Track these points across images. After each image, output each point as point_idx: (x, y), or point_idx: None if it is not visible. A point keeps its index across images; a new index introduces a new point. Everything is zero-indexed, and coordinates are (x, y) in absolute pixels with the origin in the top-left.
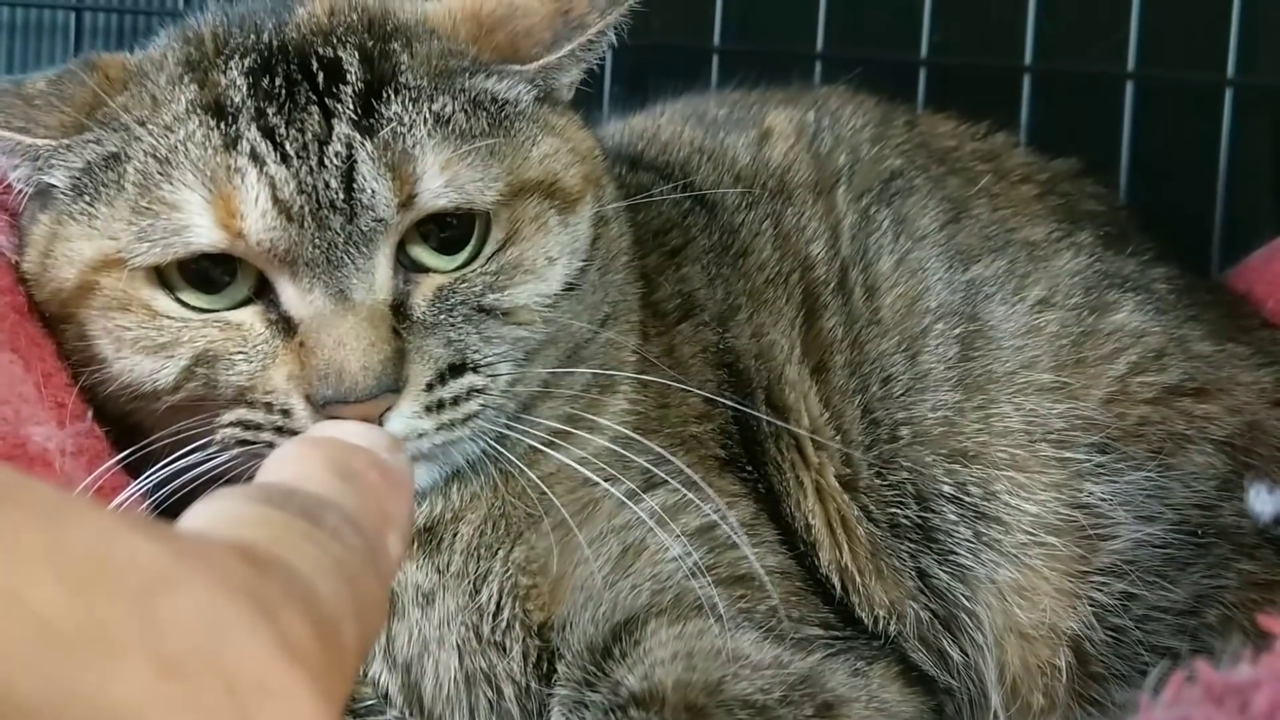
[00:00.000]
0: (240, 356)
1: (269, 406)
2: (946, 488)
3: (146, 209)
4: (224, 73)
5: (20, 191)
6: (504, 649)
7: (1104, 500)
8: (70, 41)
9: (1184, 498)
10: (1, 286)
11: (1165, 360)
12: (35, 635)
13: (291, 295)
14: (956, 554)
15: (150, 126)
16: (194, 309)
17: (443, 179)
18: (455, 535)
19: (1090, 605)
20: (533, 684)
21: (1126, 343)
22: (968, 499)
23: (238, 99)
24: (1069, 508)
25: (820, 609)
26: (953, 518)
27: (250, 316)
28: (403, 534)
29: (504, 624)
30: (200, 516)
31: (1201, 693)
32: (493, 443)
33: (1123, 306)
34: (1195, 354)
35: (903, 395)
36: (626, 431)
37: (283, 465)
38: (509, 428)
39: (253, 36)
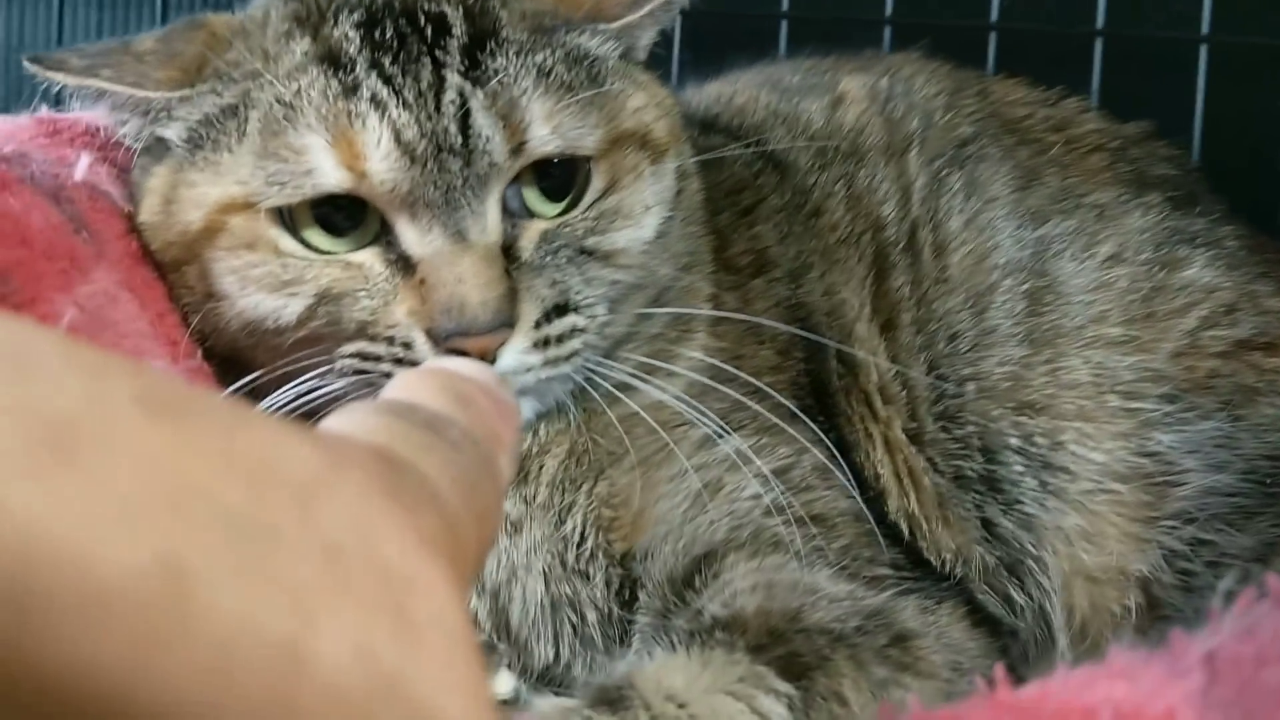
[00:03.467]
0: (363, 293)
1: (390, 340)
2: (1013, 439)
3: (273, 154)
4: (335, 26)
5: (129, 147)
6: (587, 577)
7: (1173, 448)
8: (156, 13)
9: (1253, 448)
10: (116, 232)
11: (1236, 315)
12: (223, 525)
13: (411, 235)
14: (1022, 503)
15: (269, 77)
16: (317, 250)
17: (548, 127)
18: (541, 468)
19: (1159, 549)
20: (615, 610)
21: (1197, 297)
22: (1034, 449)
23: (352, 50)
24: (1137, 455)
25: (889, 551)
26: (1019, 468)
27: (370, 257)
28: (512, 459)
29: (587, 553)
30: (336, 426)
31: (1271, 603)
32: (582, 381)
33: (1193, 262)
34: (1266, 309)
35: (969, 351)
36: (708, 367)
37: (402, 388)
38: (599, 365)
39: None
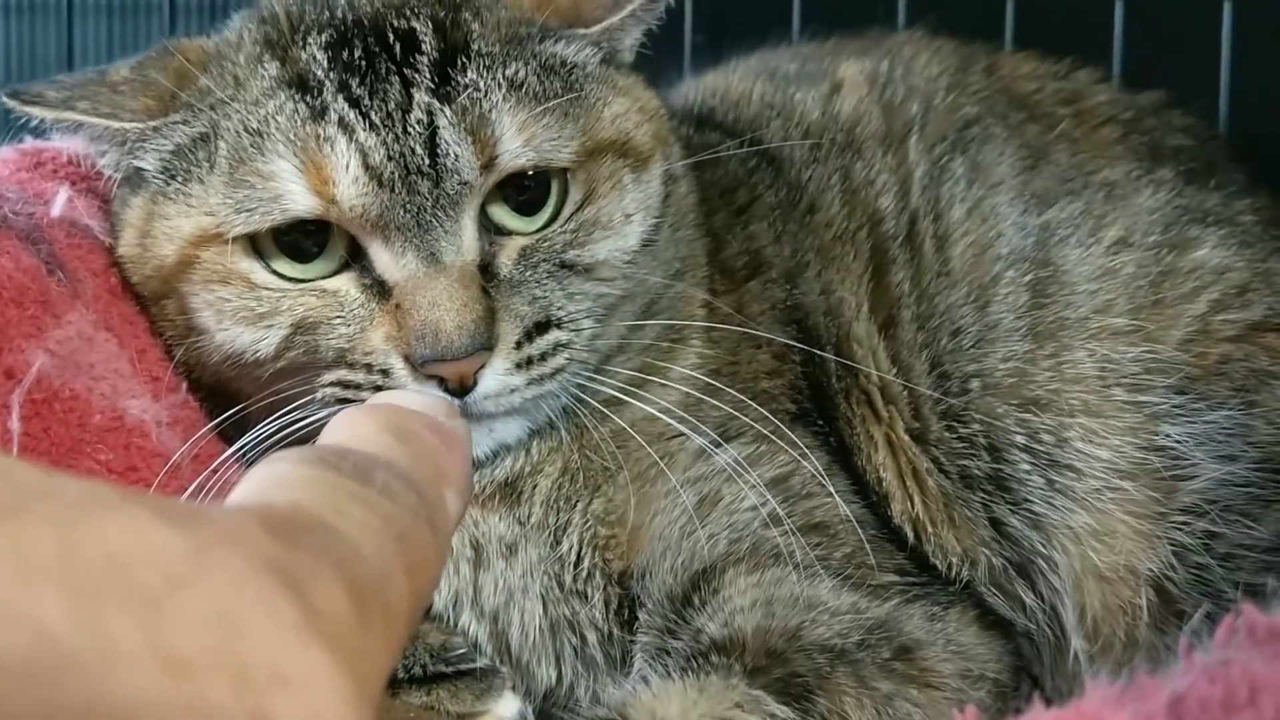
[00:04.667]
0: (339, 321)
1: (369, 367)
2: (1019, 437)
3: (242, 181)
4: (303, 49)
5: (109, 177)
6: (586, 597)
7: (1180, 442)
8: (165, 21)
9: (1268, 435)
10: (95, 269)
11: (1249, 296)
12: (34, 650)
13: (385, 260)
14: (1030, 502)
15: (238, 104)
16: (290, 279)
17: (520, 139)
18: (534, 488)
19: (1171, 545)
20: (615, 631)
21: (1208, 280)
22: (1040, 447)
23: (319, 73)
24: (1143, 451)
25: (895, 556)
26: (1025, 467)
27: (345, 283)
28: (460, 491)
29: (585, 573)
30: (253, 480)
31: (1245, 635)
32: (573, 397)
33: (1205, 242)
34: None
35: (972, 347)
36: (702, 377)
37: (340, 429)
38: (590, 379)
39: (326, 12)
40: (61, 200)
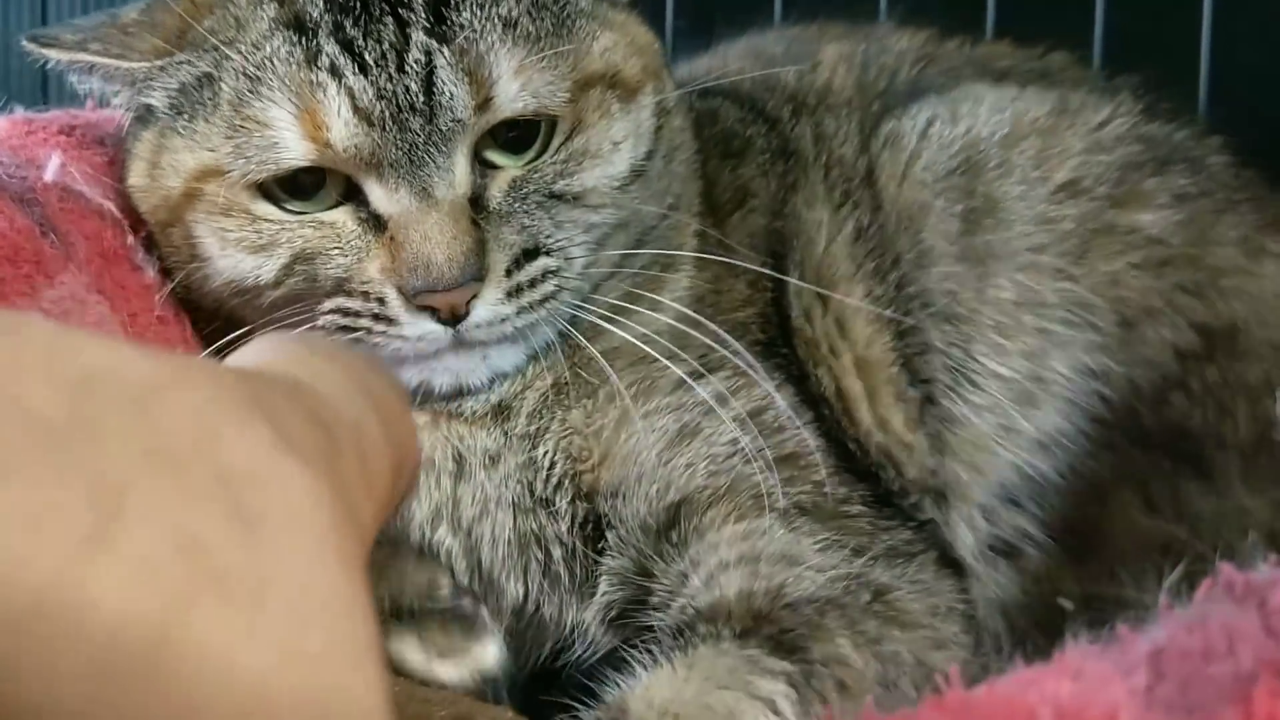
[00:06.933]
0: (337, 251)
1: (365, 295)
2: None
3: (240, 126)
4: None
5: (122, 116)
6: (552, 505)
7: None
8: None
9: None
10: (87, 233)
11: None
12: (27, 431)
13: (379, 195)
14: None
15: (237, 46)
16: (290, 212)
17: (517, 84)
18: (523, 402)
19: None
20: (579, 546)
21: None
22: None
23: (315, 14)
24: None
25: (858, 486)
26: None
27: (343, 216)
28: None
29: (555, 480)
30: (239, 353)
31: (1222, 591)
32: (566, 323)
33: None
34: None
35: (917, 269)
36: (688, 308)
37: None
38: (580, 306)
39: None
40: (54, 165)
